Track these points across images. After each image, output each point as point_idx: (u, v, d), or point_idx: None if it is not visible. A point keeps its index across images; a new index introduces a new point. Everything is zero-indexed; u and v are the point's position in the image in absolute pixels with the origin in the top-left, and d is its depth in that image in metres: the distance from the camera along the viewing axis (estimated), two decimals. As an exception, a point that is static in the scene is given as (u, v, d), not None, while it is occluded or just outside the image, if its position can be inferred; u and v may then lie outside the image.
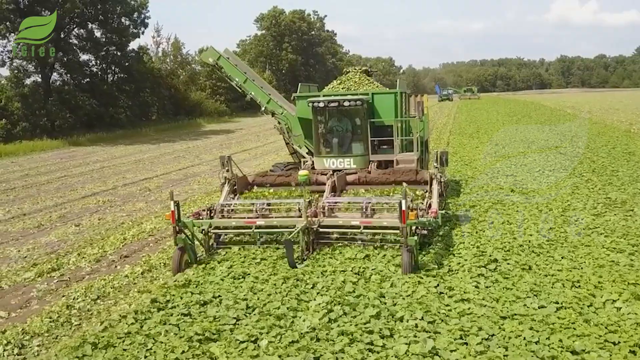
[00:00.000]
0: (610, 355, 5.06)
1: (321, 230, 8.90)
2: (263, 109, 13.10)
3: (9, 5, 35.98)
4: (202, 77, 60.96)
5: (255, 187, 10.74)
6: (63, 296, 7.82)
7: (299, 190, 9.93)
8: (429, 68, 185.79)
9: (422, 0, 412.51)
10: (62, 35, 41.17)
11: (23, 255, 10.23)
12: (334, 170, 10.57)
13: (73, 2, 38.06)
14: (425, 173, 10.12)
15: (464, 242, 8.99)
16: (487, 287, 7.01)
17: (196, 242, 9.06)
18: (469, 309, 6.30)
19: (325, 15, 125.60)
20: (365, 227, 8.61)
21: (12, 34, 36.22)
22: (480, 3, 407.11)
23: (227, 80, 13.52)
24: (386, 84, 18.86)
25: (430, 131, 20.21)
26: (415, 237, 7.87)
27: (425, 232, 8.74)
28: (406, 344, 5.42)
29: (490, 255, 8.11)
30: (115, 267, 9.32)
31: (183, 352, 5.54)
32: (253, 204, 9.50)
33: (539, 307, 6.23)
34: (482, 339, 5.50)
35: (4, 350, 6.14)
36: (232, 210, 9.56)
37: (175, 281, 7.82)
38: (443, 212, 9.42)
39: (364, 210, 8.82)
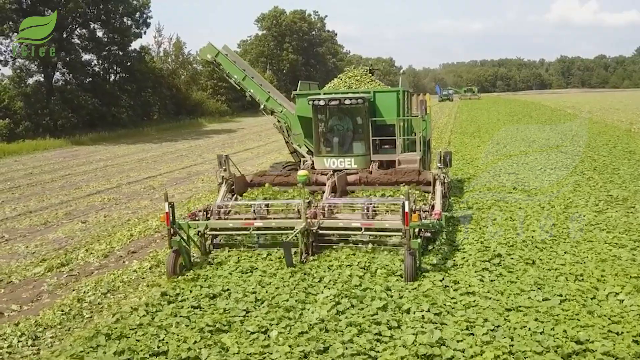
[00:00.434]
0: (614, 344, 5.19)
1: (321, 232, 8.61)
2: (262, 107, 12.90)
3: (11, 5, 36.07)
4: (204, 77, 61.05)
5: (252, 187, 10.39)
6: (73, 290, 7.95)
7: (299, 190, 9.80)
8: (429, 68, 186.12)
9: (423, 0, 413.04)
10: (64, 35, 41.25)
11: (31, 251, 10.34)
12: (334, 170, 10.43)
13: (76, 2, 38.15)
14: (428, 174, 9.98)
15: (467, 238, 9.11)
16: (491, 280, 7.14)
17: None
18: (474, 301, 6.43)
19: (326, 16, 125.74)
20: (367, 229, 8.38)
21: (15, 34, 36.29)
22: (480, 3, 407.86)
23: (225, 77, 13.32)
24: (386, 84, 18.89)
25: (432, 131, 20.30)
26: (419, 240, 7.64)
27: (428, 234, 8.54)
28: (414, 334, 5.55)
29: (494, 251, 8.24)
30: (124, 262, 9.44)
31: (195, 342, 5.66)
32: (251, 204, 9.20)
33: (543, 300, 6.36)
34: (488, 330, 5.63)
35: (19, 341, 6.26)
36: (230, 211, 9.29)
37: (184, 275, 7.95)
38: (447, 213, 9.23)
39: (365, 211, 8.58)
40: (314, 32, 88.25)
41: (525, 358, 5.02)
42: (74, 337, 6.16)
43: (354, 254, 8.37)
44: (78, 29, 43.77)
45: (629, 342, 5.20)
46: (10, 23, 36.56)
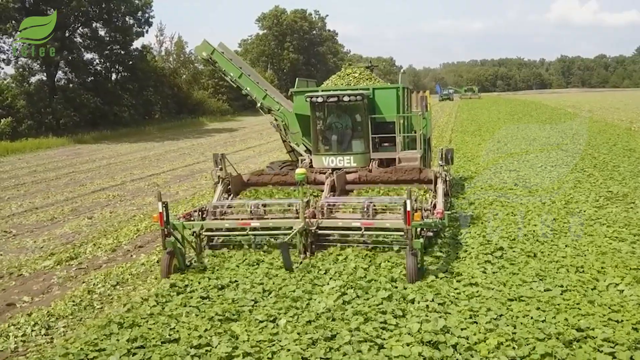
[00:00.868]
0: (614, 331, 5.33)
1: (320, 231, 8.43)
2: (259, 105, 12.57)
3: (14, 4, 36.24)
4: (205, 76, 61.20)
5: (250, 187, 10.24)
6: (83, 282, 8.10)
7: (296, 190, 9.55)
8: (429, 68, 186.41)
9: (423, 0, 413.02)
10: (66, 34, 41.47)
11: (39, 245, 10.50)
12: (333, 169, 10.27)
13: (78, 1, 38.36)
14: (430, 172, 9.75)
15: (470, 232, 9.26)
16: (494, 272, 7.28)
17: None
18: (477, 292, 6.57)
19: (327, 15, 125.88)
20: (367, 229, 8.20)
21: (18, 33, 36.44)
22: (481, 3, 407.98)
23: (222, 75, 13.06)
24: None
25: (432, 129, 20.45)
26: (421, 240, 7.40)
27: (430, 234, 8.25)
28: (418, 322, 5.69)
29: (496, 244, 8.38)
30: (131, 256, 9.59)
31: (206, 330, 5.81)
32: (247, 204, 9.02)
33: (544, 290, 6.50)
34: (491, 319, 5.77)
35: (32, 330, 6.41)
36: (226, 211, 9.10)
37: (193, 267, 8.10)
38: (449, 212, 9.04)
39: (365, 210, 8.40)
40: (314, 32, 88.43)
41: (527, 344, 5.16)
42: (86, 326, 6.31)
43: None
44: (80, 28, 43.99)
45: (629, 330, 5.35)
46: (13, 22, 36.73)
